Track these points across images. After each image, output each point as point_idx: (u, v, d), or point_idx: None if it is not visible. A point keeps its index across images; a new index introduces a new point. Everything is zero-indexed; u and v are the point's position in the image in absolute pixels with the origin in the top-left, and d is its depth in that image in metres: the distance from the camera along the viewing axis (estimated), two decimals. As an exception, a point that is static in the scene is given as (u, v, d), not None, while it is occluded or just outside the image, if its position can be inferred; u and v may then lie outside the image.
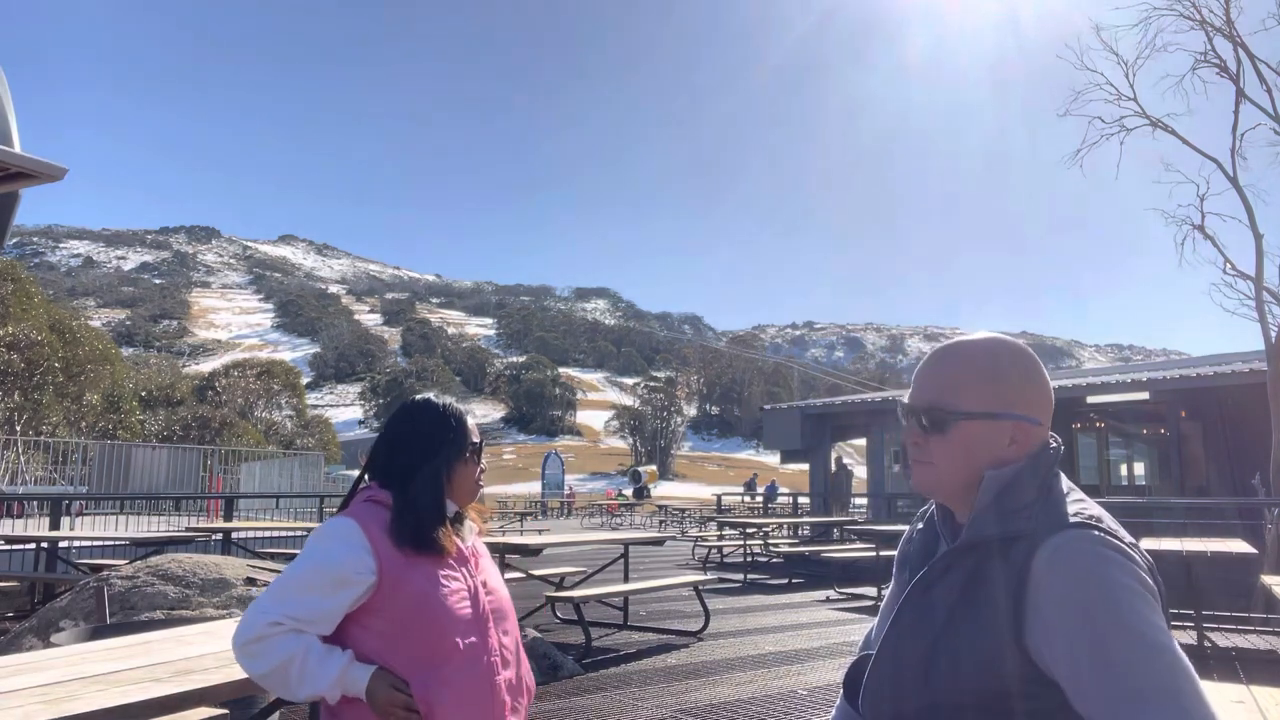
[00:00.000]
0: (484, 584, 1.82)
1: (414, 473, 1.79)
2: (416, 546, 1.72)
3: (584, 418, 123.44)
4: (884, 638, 1.20)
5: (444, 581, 1.73)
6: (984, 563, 1.11)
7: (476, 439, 1.90)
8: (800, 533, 17.56)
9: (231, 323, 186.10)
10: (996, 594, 1.08)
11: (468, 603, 1.75)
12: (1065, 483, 1.17)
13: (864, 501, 20.70)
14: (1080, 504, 1.13)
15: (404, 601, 1.68)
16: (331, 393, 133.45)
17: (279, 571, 5.95)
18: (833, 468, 19.86)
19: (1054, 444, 1.20)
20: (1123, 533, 1.09)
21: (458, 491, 1.86)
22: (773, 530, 16.15)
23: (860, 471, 23.19)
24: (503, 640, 1.80)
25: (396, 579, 1.69)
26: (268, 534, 11.73)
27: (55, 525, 10.59)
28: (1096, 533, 1.07)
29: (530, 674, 1.91)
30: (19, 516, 14.10)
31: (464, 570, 1.79)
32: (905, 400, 1.24)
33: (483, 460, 1.92)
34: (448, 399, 1.94)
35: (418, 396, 1.94)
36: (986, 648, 1.07)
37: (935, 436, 1.19)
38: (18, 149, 5.36)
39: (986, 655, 1.07)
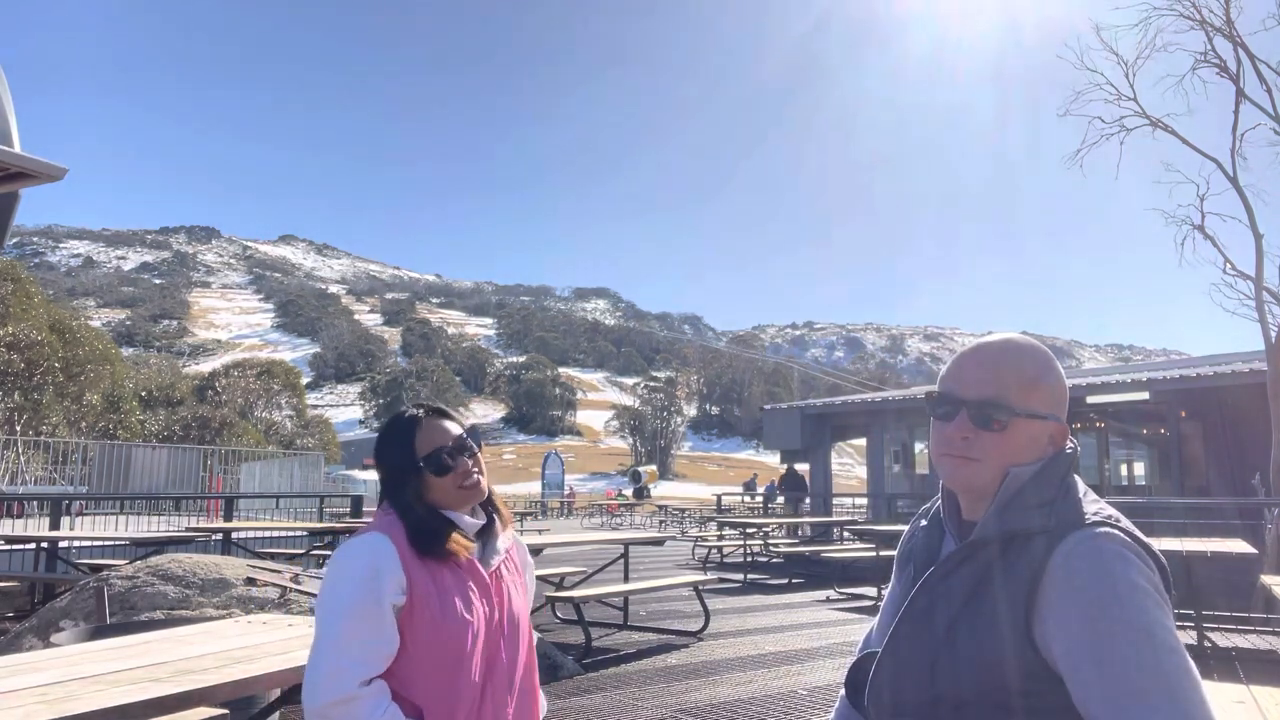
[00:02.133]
0: (505, 607, 1.79)
1: (390, 496, 1.80)
2: (419, 546, 1.70)
3: (584, 418, 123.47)
4: (892, 631, 1.20)
5: (461, 607, 1.70)
6: (1000, 557, 1.12)
7: (436, 449, 1.76)
8: (800, 533, 17.56)
9: (231, 323, 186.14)
10: (1010, 588, 1.09)
11: (483, 628, 1.72)
12: (1081, 484, 1.19)
13: (864, 501, 20.70)
14: (1098, 504, 1.15)
15: (421, 625, 1.66)
16: (331, 393, 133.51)
17: (279, 571, 5.95)
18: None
19: (1071, 445, 1.22)
20: (1140, 534, 1.11)
21: (443, 503, 1.78)
22: (773, 530, 16.15)
23: (860, 471, 23.19)
24: (514, 669, 1.79)
25: (419, 602, 1.67)
26: (268, 534, 11.72)
27: (55, 525, 10.60)
28: (1116, 532, 1.08)
29: (541, 700, 1.89)
30: (19, 516, 14.10)
31: (485, 600, 1.75)
32: (947, 392, 1.21)
33: (459, 464, 1.78)
34: (407, 410, 1.85)
35: (392, 418, 1.88)
36: (995, 642, 1.08)
37: (989, 433, 1.17)
38: (18, 149, 5.36)
39: (995, 650, 1.07)
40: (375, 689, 1.60)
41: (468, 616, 1.69)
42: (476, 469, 1.81)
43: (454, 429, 1.82)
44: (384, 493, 1.81)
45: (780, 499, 20.49)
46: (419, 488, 1.76)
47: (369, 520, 2.09)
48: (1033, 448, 1.17)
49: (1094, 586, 1.03)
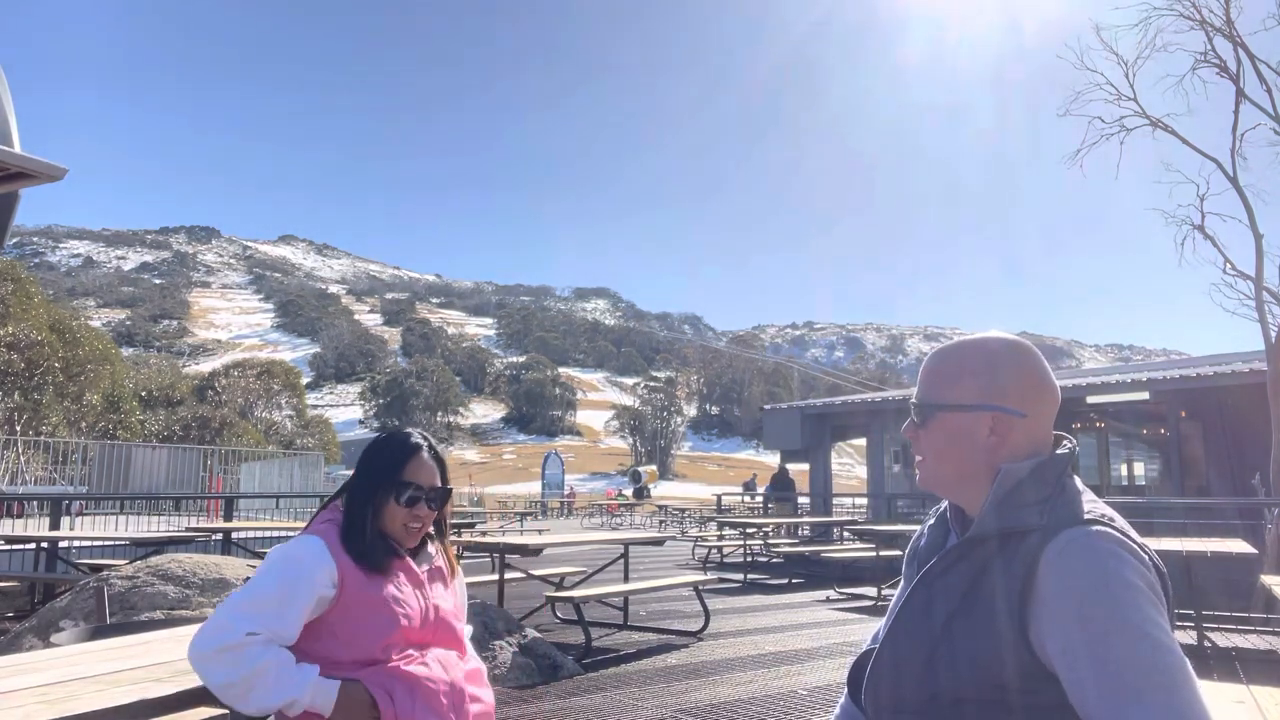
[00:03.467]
0: (436, 607, 1.95)
1: (352, 498, 1.96)
2: (355, 561, 1.86)
3: (584, 418, 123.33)
4: (889, 629, 1.21)
5: (394, 600, 1.86)
6: (994, 555, 1.12)
7: (416, 484, 1.94)
8: (800, 533, 17.56)
9: (231, 323, 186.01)
10: (1004, 586, 1.09)
11: (415, 621, 1.88)
12: (1078, 483, 1.19)
13: (864, 501, 20.70)
14: (1093, 503, 1.15)
15: (355, 614, 1.82)
16: (331, 393, 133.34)
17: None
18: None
19: (1069, 443, 1.22)
20: (1134, 533, 1.11)
21: (387, 527, 1.94)
22: (772, 530, 16.14)
23: (860, 471, 23.19)
24: (443, 658, 1.92)
25: (353, 593, 1.83)
26: (268, 534, 11.72)
27: (55, 525, 10.59)
28: (1110, 530, 1.08)
29: (486, 698, 1.98)
30: (19, 516, 14.12)
31: (419, 593, 1.93)
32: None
33: (424, 509, 1.95)
34: (414, 435, 2.02)
35: (397, 430, 2.06)
36: (991, 640, 1.08)
37: (922, 431, 1.25)
38: (18, 149, 5.36)
39: (990, 647, 1.07)
40: (264, 638, 1.71)
41: (398, 594, 1.87)
42: (424, 523, 1.98)
43: (437, 479, 1.99)
44: (349, 494, 1.97)
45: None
46: (380, 506, 1.93)
47: None
48: (969, 440, 1.20)
49: (1087, 583, 1.03)
